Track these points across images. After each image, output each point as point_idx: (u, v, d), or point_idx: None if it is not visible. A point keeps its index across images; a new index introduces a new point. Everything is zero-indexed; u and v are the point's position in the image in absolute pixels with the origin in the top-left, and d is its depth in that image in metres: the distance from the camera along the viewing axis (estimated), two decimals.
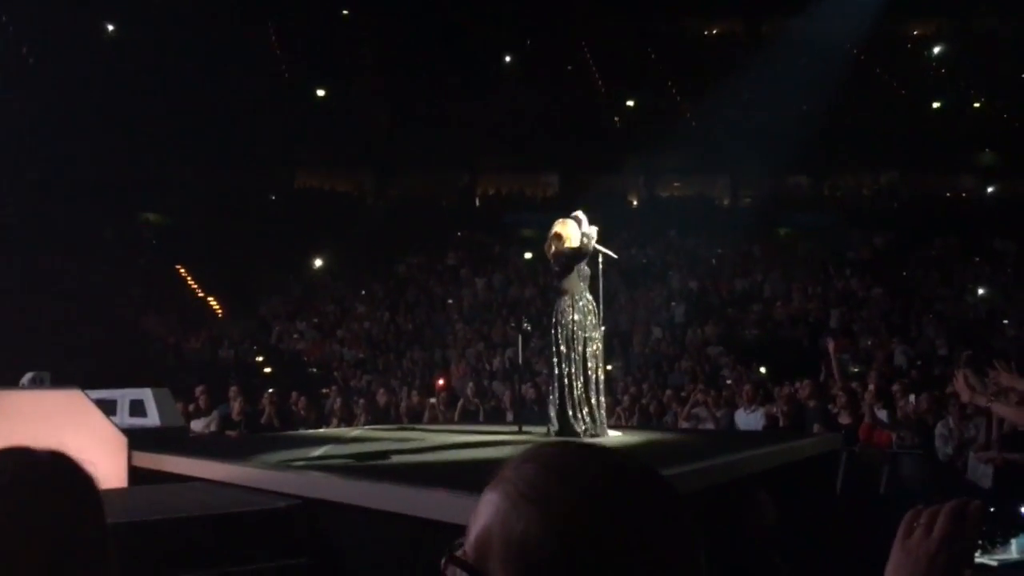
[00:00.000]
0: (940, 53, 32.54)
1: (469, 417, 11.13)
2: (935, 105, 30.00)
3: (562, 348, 6.31)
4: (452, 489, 3.29)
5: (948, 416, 7.10)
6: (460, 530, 1.00)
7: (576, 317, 6.36)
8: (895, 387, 8.75)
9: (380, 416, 11.17)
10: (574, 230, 6.55)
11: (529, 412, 9.13)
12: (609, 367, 14.77)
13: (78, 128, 22.86)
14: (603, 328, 6.60)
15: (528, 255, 23.57)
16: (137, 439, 5.64)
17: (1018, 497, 5.60)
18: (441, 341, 18.83)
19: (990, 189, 29.91)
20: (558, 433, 6.27)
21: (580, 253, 6.43)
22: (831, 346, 9.21)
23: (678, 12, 32.64)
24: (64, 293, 19.45)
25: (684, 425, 9.21)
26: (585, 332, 6.37)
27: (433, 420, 10.66)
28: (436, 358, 17.65)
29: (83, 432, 5.30)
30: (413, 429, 8.26)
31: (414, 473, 3.97)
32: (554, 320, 6.40)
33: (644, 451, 5.96)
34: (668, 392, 11.09)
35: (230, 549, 3.61)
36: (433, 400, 11.74)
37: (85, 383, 6.10)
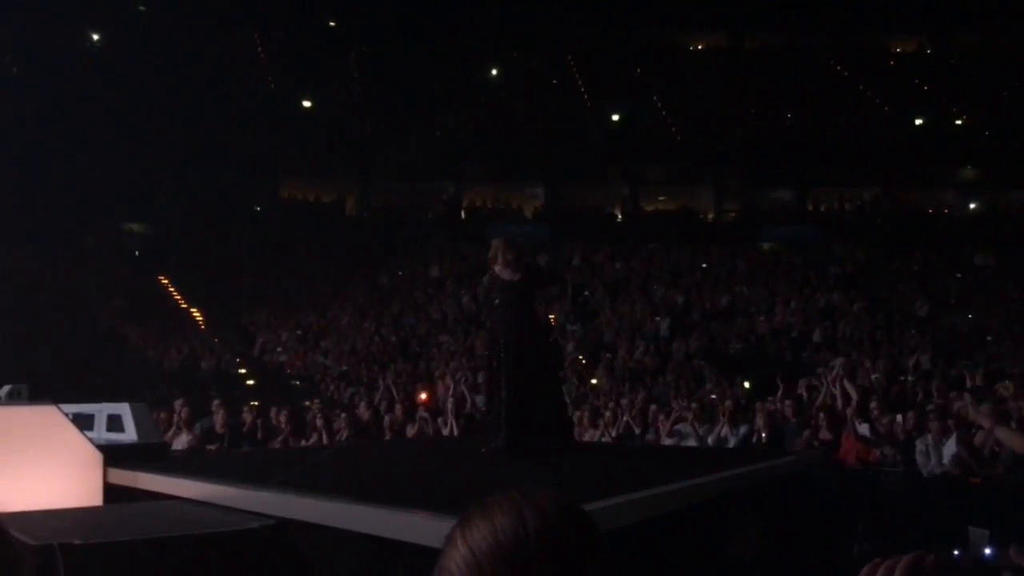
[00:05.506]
0: (922, 70, 32.86)
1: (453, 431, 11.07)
2: (917, 121, 30.27)
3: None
4: (429, 511, 3.25)
5: (928, 433, 7.10)
6: (436, 553, 0.98)
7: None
8: (873, 403, 8.70)
9: (363, 430, 11.06)
10: None
11: None
12: (593, 380, 14.81)
13: (61, 136, 22.68)
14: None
15: None
16: (113, 455, 5.56)
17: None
18: (425, 353, 18.74)
19: (972, 205, 30.19)
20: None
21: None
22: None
23: (663, 26, 32.86)
24: (44, 302, 19.24)
25: (667, 441, 9.19)
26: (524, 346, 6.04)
27: (417, 434, 10.59)
28: (420, 370, 17.55)
29: (57, 449, 5.23)
30: (394, 444, 8.20)
31: (391, 493, 3.92)
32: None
33: (622, 469, 5.93)
34: (653, 407, 11.04)
35: (202, 571, 3.56)
36: (416, 414, 11.66)
37: (64, 394, 5.99)
